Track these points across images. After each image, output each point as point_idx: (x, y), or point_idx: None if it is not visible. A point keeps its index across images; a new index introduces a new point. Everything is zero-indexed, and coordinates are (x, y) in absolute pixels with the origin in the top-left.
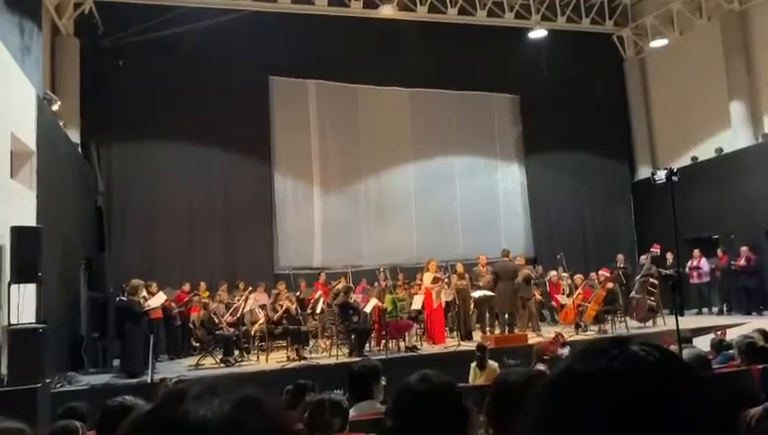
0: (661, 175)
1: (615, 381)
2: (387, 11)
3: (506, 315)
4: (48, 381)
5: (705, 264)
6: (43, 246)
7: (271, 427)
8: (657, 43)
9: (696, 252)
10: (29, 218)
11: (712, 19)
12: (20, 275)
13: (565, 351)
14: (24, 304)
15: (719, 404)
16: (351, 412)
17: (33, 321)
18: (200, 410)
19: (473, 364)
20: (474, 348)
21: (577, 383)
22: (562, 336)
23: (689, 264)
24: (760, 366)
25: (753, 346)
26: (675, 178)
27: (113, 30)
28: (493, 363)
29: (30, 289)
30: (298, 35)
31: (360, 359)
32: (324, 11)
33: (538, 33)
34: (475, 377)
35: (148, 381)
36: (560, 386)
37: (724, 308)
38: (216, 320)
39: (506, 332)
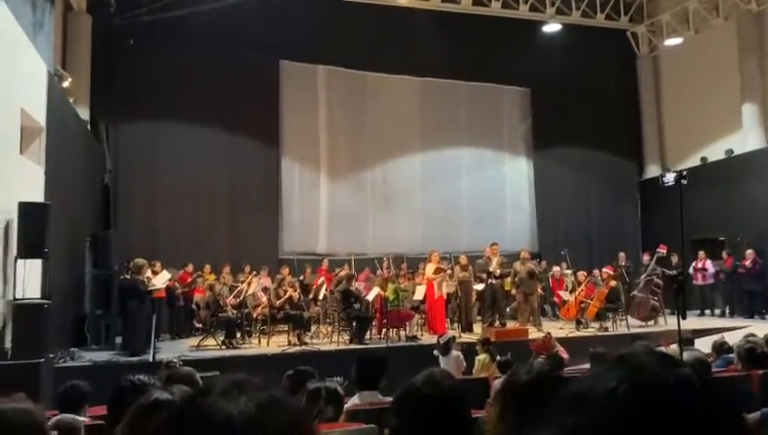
0: (670, 178)
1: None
2: None
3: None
4: (51, 356)
5: (710, 265)
6: (50, 222)
7: (293, 428)
8: (672, 41)
9: (702, 253)
10: (37, 194)
11: (728, 19)
12: (26, 251)
13: (558, 346)
14: (29, 280)
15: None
16: (354, 400)
17: (38, 296)
18: (227, 406)
19: (481, 356)
20: (474, 340)
21: (650, 399)
22: (550, 335)
23: (694, 265)
24: (760, 372)
25: (754, 352)
26: (684, 182)
27: (126, 8)
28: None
29: (36, 265)
30: (311, 20)
31: (361, 346)
32: None
33: (552, 28)
34: (481, 368)
35: (150, 360)
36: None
37: (727, 311)
38: (221, 302)
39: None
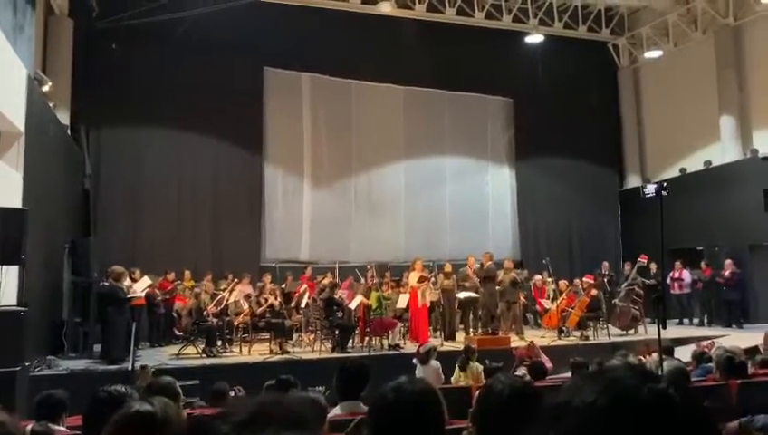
0: (651, 189)
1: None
2: (385, 8)
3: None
4: (27, 364)
5: (686, 275)
6: (28, 228)
7: None
8: (652, 53)
9: (678, 263)
10: (15, 200)
11: (707, 33)
12: (3, 257)
13: (542, 355)
14: (6, 286)
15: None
16: (336, 410)
17: (15, 303)
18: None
19: (456, 371)
20: (457, 349)
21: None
22: (534, 344)
23: (671, 274)
24: (738, 381)
25: (732, 361)
26: (664, 193)
27: (108, 12)
28: (476, 365)
29: (13, 271)
30: (295, 28)
31: (344, 355)
32: (323, 4)
33: (535, 38)
34: (458, 378)
35: (129, 368)
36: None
37: (705, 320)
38: (204, 311)
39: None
